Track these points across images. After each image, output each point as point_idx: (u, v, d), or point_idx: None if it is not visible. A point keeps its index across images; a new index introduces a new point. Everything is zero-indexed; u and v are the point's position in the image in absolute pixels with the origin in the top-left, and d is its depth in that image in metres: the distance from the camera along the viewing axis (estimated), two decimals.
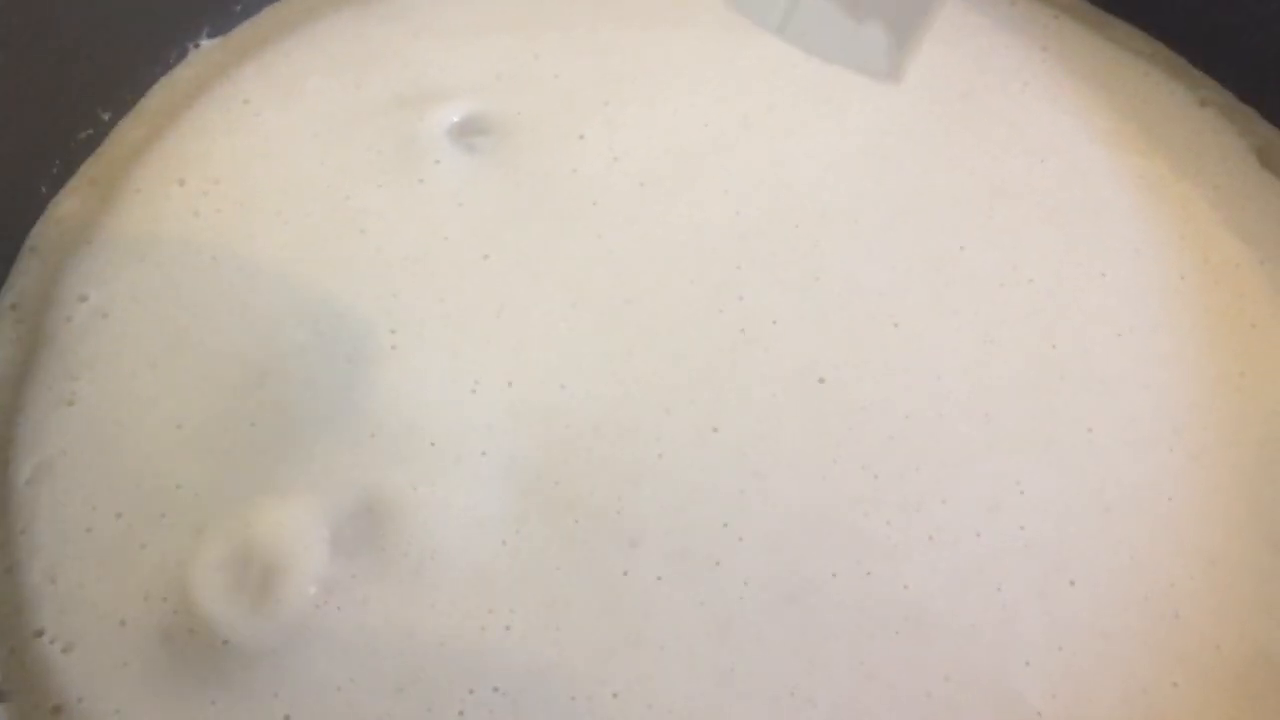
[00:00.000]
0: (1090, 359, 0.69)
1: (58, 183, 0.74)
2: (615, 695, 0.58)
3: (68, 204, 0.74)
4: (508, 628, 0.60)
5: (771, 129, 0.78)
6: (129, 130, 0.77)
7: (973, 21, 0.84)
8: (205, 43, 0.82)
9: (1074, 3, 0.87)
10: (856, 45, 0.48)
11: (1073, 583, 0.62)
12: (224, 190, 0.74)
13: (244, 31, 0.83)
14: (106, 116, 0.77)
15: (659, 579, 0.61)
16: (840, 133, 0.78)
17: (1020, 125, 0.79)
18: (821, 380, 0.68)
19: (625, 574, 0.61)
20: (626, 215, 0.74)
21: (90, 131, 0.76)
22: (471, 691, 0.58)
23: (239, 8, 0.83)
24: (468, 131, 0.77)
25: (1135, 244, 0.74)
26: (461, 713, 0.58)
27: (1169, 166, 0.78)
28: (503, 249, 0.72)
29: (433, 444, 0.64)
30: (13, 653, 0.59)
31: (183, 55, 0.81)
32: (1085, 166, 0.78)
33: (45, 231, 0.73)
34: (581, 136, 0.77)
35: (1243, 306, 0.72)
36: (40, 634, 0.59)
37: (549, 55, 0.81)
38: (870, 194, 0.76)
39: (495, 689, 0.58)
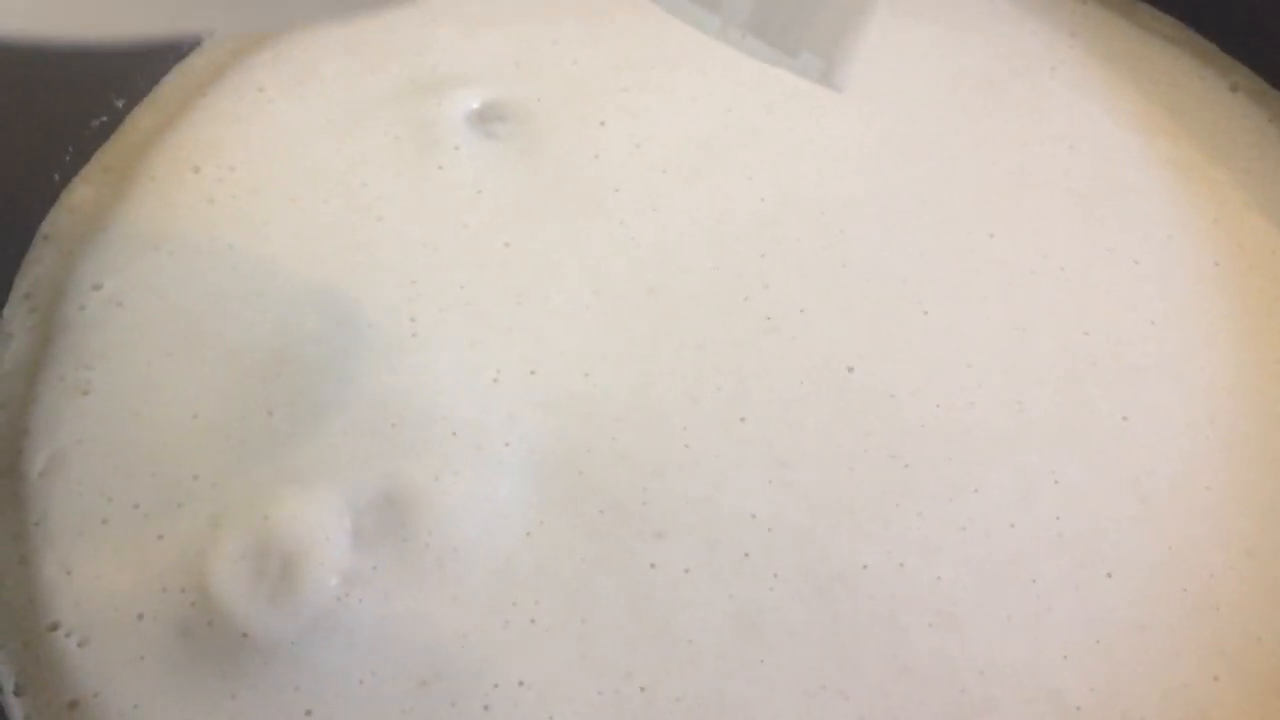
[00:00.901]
0: (1123, 347, 0.68)
1: (71, 170, 0.73)
2: (643, 689, 0.57)
3: (81, 192, 0.73)
4: (532, 620, 0.58)
5: (794, 115, 0.77)
6: (143, 117, 0.76)
7: (999, 7, 0.83)
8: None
9: None
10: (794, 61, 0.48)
11: (1109, 574, 0.60)
12: (239, 177, 0.73)
13: None
14: (120, 104, 0.76)
15: (686, 571, 0.60)
16: (865, 119, 0.77)
17: (1048, 111, 0.78)
18: (850, 369, 0.66)
19: (652, 566, 0.60)
20: (648, 202, 0.73)
21: (104, 119, 0.75)
22: (496, 686, 0.57)
23: None
24: (487, 118, 0.76)
25: (1167, 230, 0.73)
26: (486, 707, 0.56)
27: (1200, 152, 0.77)
28: (523, 236, 0.71)
29: (454, 434, 0.63)
30: (27, 646, 0.58)
31: (197, 42, 0.80)
32: (1115, 153, 0.76)
33: (59, 220, 0.72)
34: (602, 123, 0.76)
35: (1278, 292, 0.70)
36: (56, 627, 0.58)
37: (568, 41, 0.80)
38: (896, 181, 0.74)
39: (520, 683, 0.57)
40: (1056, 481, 0.63)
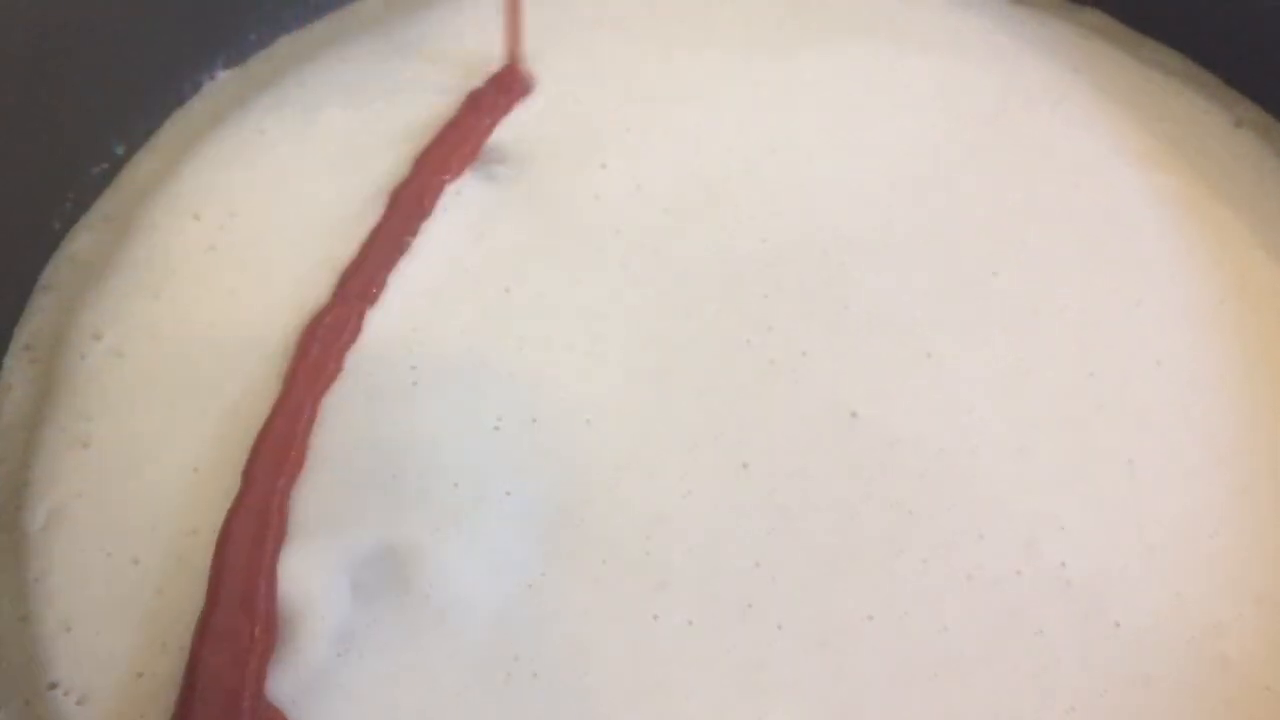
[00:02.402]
0: (1128, 388, 0.67)
1: (71, 219, 0.73)
2: None
3: (81, 240, 0.73)
4: (534, 674, 0.58)
5: (796, 153, 0.77)
6: (143, 164, 0.77)
7: (1002, 43, 0.83)
8: (220, 74, 0.81)
9: (1105, 22, 0.85)
10: None
11: (1116, 624, 0.60)
12: (240, 224, 0.73)
13: (259, 62, 0.82)
14: (120, 150, 0.76)
15: (690, 623, 0.59)
16: (867, 157, 0.77)
17: (1051, 148, 0.78)
18: (853, 414, 0.66)
19: (655, 618, 0.59)
20: (650, 244, 0.72)
21: (104, 166, 0.75)
22: None
23: (253, 37, 0.82)
24: (487, 160, 0.76)
25: (1171, 268, 0.72)
26: None
27: (1205, 188, 0.76)
28: (524, 281, 0.71)
29: (455, 485, 0.63)
30: (27, 705, 0.58)
31: (197, 87, 0.80)
32: (1119, 189, 0.76)
33: (59, 269, 0.72)
34: (603, 165, 0.76)
35: None
36: (55, 686, 0.58)
37: (569, 82, 0.80)
38: (899, 220, 0.74)
39: None
40: (1062, 528, 0.63)
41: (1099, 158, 0.77)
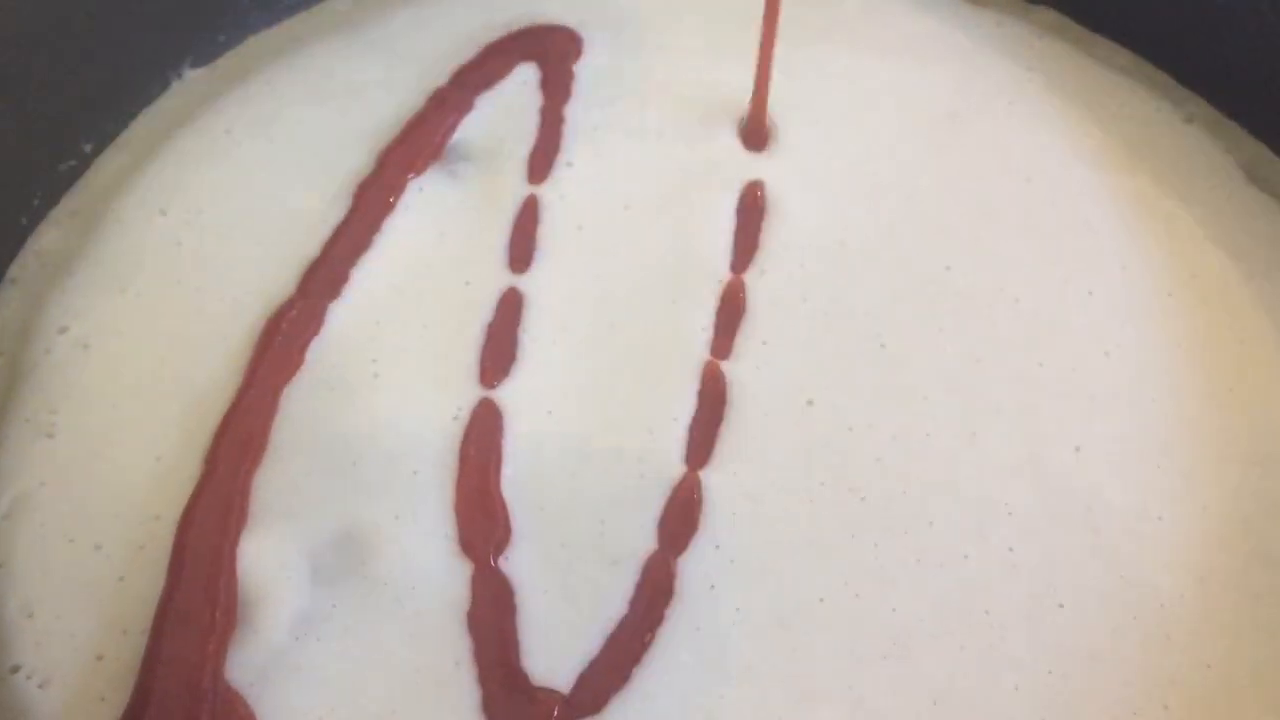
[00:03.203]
0: (1078, 377, 0.69)
1: (39, 214, 0.74)
2: None
3: (49, 235, 0.74)
4: None
5: (757, 153, 0.78)
6: (111, 161, 0.77)
7: (958, 42, 0.84)
8: (188, 72, 0.82)
9: (1059, 22, 0.86)
10: None
11: (1061, 605, 0.61)
12: (206, 220, 0.74)
13: (227, 61, 0.83)
14: (88, 148, 0.77)
15: (650, 604, 0.60)
16: (825, 155, 0.78)
17: (1006, 145, 0.79)
18: (810, 402, 0.67)
19: (610, 598, 0.60)
20: (612, 240, 0.74)
21: (72, 163, 0.76)
22: None
23: (222, 37, 0.83)
24: (451, 159, 0.77)
25: (1122, 261, 0.74)
26: None
27: (1155, 183, 0.77)
28: (485, 276, 0.72)
29: (415, 472, 0.64)
30: None
31: (166, 85, 0.81)
32: (1071, 185, 0.77)
33: (25, 263, 0.73)
34: (570, 164, 0.77)
35: (1231, 322, 0.71)
36: (16, 670, 0.59)
37: (534, 81, 0.81)
38: (856, 216, 0.75)
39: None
40: (1010, 513, 0.64)
41: (1052, 155, 0.79)
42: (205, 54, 0.82)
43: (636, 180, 0.76)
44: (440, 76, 0.80)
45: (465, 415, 0.66)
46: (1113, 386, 0.69)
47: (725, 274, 0.72)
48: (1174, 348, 0.70)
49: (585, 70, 0.82)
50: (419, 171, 0.76)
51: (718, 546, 0.62)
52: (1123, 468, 0.66)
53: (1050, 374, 0.69)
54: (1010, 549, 0.63)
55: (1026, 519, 0.64)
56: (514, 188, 0.76)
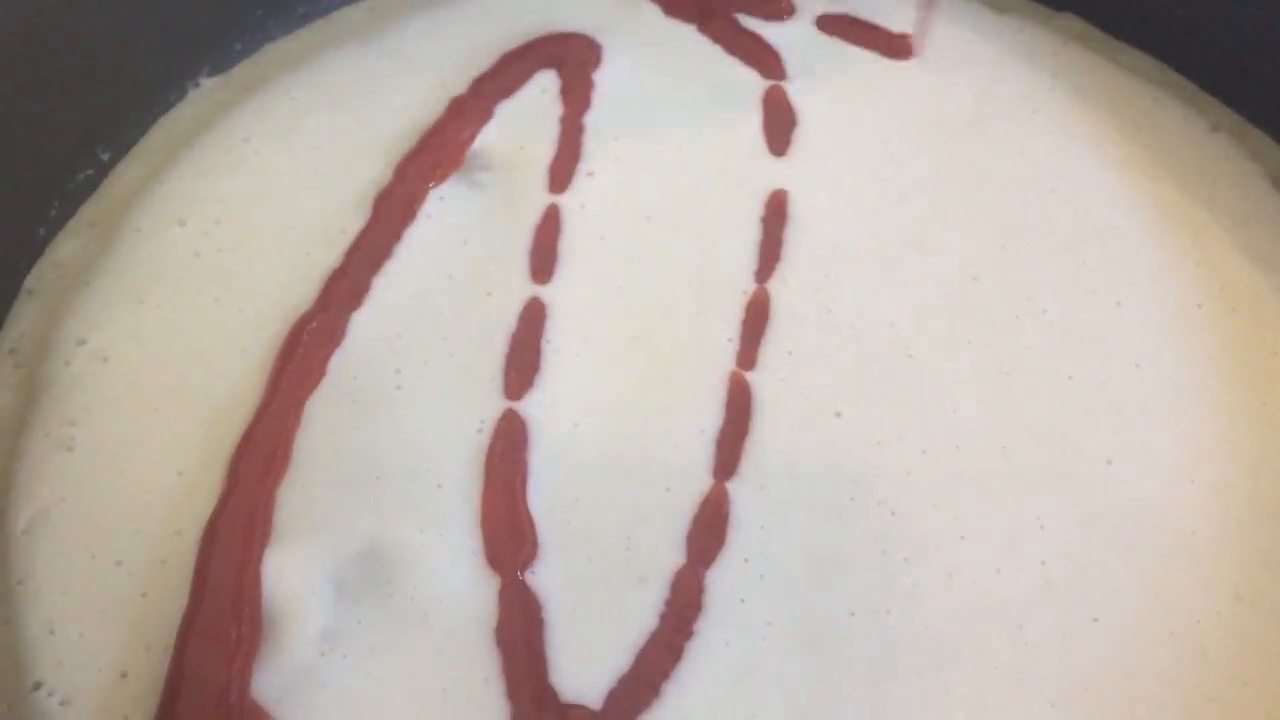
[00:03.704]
0: (1107, 390, 0.68)
1: (56, 225, 0.74)
2: None
3: (66, 246, 0.73)
4: None
5: (780, 161, 0.77)
6: (129, 170, 0.77)
7: (980, 50, 0.83)
8: (205, 81, 0.81)
9: (1082, 29, 0.86)
10: None
11: (1096, 620, 0.60)
12: (225, 230, 0.73)
13: (244, 70, 0.82)
14: (106, 157, 0.76)
15: (679, 618, 0.60)
16: (849, 164, 0.77)
17: (1030, 153, 0.78)
18: (838, 414, 0.67)
19: (639, 614, 0.60)
20: (634, 250, 0.73)
21: (90, 172, 0.75)
22: None
23: (239, 46, 0.82)
24: (471, 168, 0.76)
25: (1150, 272, 0.73)
26: None
27: (1182, 193, 0.77)
28: (507, 287, 0.71)
29: (439, 486, 0.63)
30: (11, 708, 0.58)
31: (182, 94, 0.80)
32: (1097, 194, 0.77)
33: (43, 274, 0.72)
34: (590, 173, 0.76)
35: (1263, 334, 0.71)
36: (39, 687, 0.58)
37: (554, 89, 0.80)
38: (881, 225, 0.75)
39: None
40: (1042, 527, 0.63)
41: (1077, 163, 0.78)
42: (222, 63, 0.82)
43: (658, 189, 0.76)
44: (459, 85, 0.80)
45: (489, 427, 0.65)
46: (1143, 399, 0.68)
47: (749, 284, 0.72)
48: (1205, 360, 0.69)
49: (605, 78, 0.81)
50: (439, 181, 0.75)
51: (746, 560, 0.62)
52: (1154, 482, 0.65)
53: (1080, 386, 0.68)
54: (1043, 563, 0.62)
55: (1058, 533, 0.63)
56: (535, 197, 0.75)
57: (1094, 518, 0.64)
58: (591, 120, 0.79)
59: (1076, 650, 0.60)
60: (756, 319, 0.70)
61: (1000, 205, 0.76)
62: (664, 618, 0.60)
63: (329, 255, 0.71)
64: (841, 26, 0.85)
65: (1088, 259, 0.74)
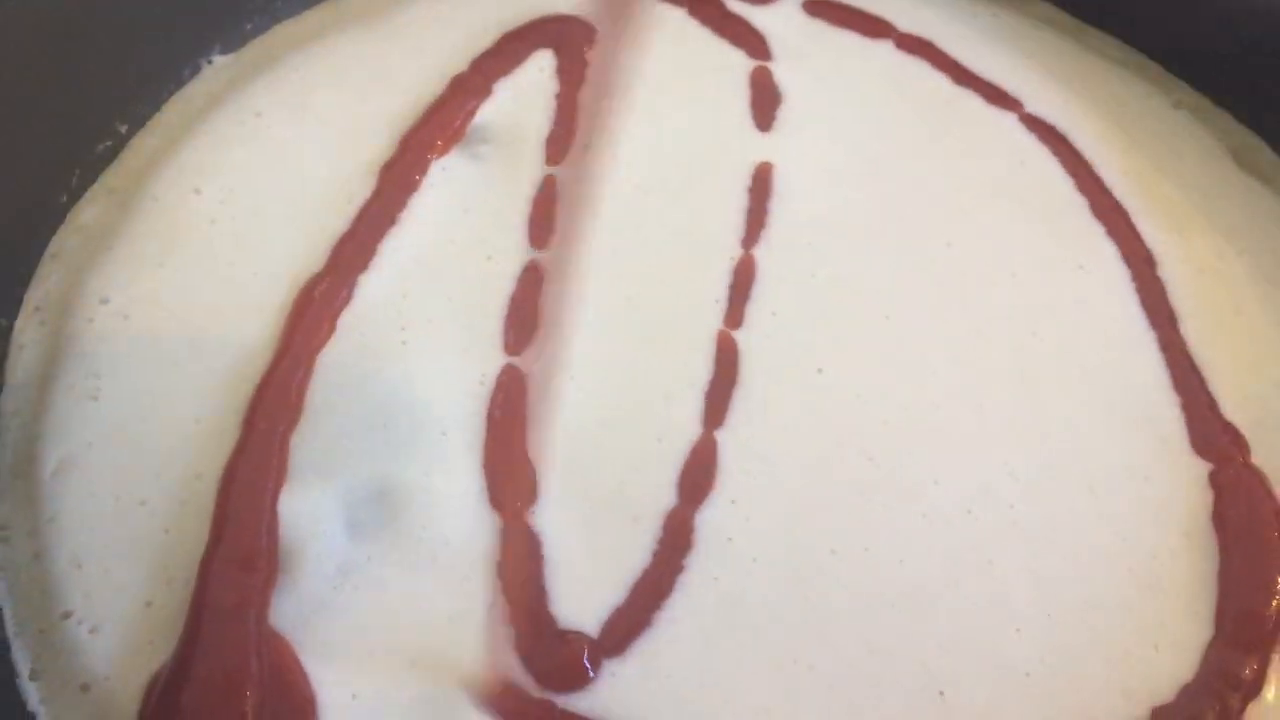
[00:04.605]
0: (1071, 348, 0.72)
1: (78, 192, 0.77)
2: (627, 667, 0.60)
3: (88, 212, 0.77)
4: None
5: (768, 137, 0.81)
6: (146, 142, 0.80)
7: (956, 31, 0.87)
8: (218, 59, 0.85)
9: (1054, 14, 0.90)
10: None
11: (1061, 557, 0.65)
12: (239, 198, 0.76)
13: (255, 48, 0.86)
14: (124, 129, 0.80)
15: (670, 555, 0.64)
16: (831, 138, 0.81)
17: (1002, 128, 0.83)
18: (820, 370, 0.70)
19: (632, 553, 0.64)
20: (627, 218, 0.77)
21: (109, 143, 0.79)
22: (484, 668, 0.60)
23: (249, 26, 0.86)
24: (472, 141, 0.80)
25: (1114, 239, 0.77)
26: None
27: (1148, 166, 0.81)
28: (507, 251, 0.75)
29: (443, 433, 0.67)
30: (42, 634, 0.62)
31: (196, 71, 0.84)
32: (1065, 166, 0.81)
33: (66, 239, 0.75)
34: (587, 146, 0.80)
35: (1227, 295, 0.75)
36: (68, 616, 0.61)
37: (550, 68, 0.84)
38: (861, 195, 0.79)
39: (499, 662, 0.60)
40: (1012, 473, 0.67)
41: (1047, 138, 0.82)
42: (233, 41, 0.86)
43: (650, 162, 0.80)
44: (460, 63, 0.84)
45: (491, 381, 0.69)
46: (1104, 357, 0.72)
47: (736, 249, 0.76)
48: (1169, 319, 0.74)
49: (599, 58, 0.85)
50: (441, 153, 0.79)
51: (734, 502, 0.66)
52: (1113, 432, 0.69)
53: (1046, 345, 0.73)
54: (1011, 506, 0.66)
55: (1027, 480, 0.67)
56: (533, 169, 0.79)
57: (1059, 465, 0.68)
58: (586, 97, 0.83)
59: (1042, 584, 0.64)
60: (743, 282, 0.74)
61: (973, 177, 0.80)
62: (656, 554, 0.64)
63: (338, 221, 0.75)
64: (825, 10, 0.88)
65: (1056, 227, 0.78)
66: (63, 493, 0.65)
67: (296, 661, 0.59)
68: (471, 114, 0.81)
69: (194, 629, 0.59)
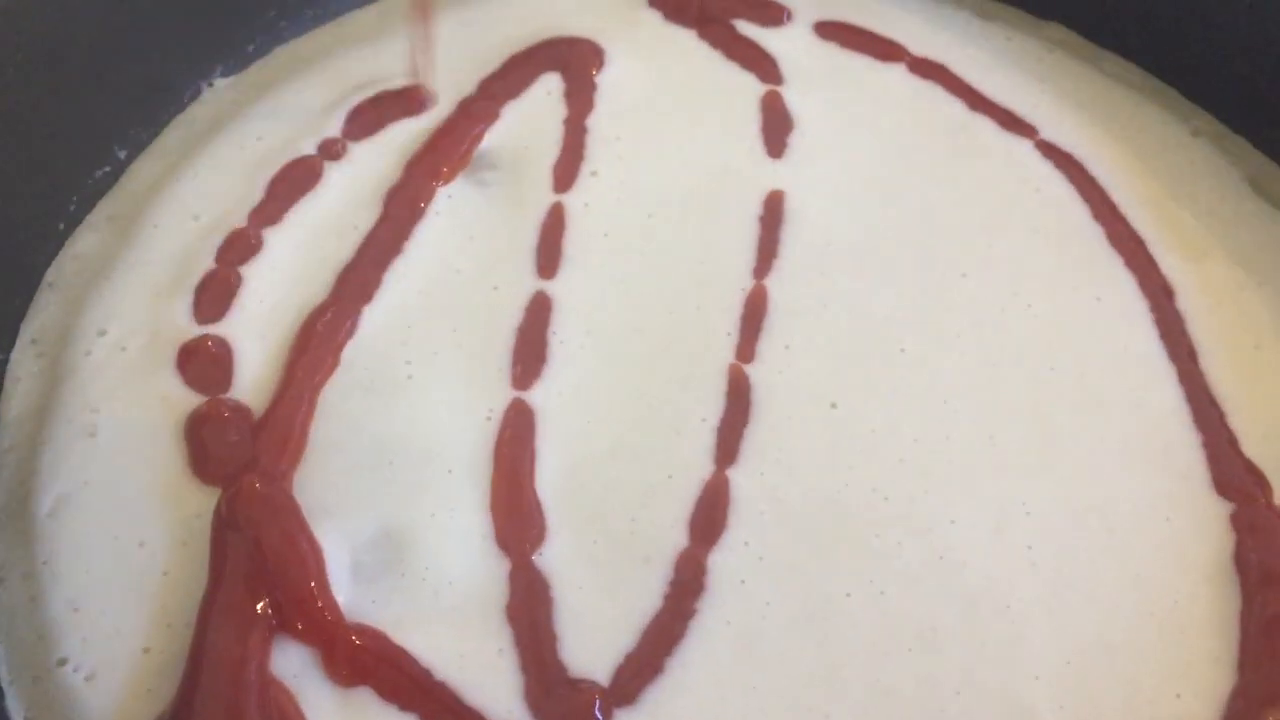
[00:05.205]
0: (1088, 381, 0.71)
1: (75, 219, 0.76)
2: (639, 715, 0.59)
3: (86, 240, 0.75)
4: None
5: (779, 162, 0.80)
6: (145, 168, 0.79)
7: (969, 55, 0.86)
8: (219, 82, 0.84)
9: (1068, 37, 0.89)
10: None
11: (1079, 599, 0.63)
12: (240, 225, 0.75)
13: (256, 71, 0.85)
14: (123, 154, 0.78)
15: (682, 598, 0.62)
16: (844, 165, 0.80)
17: (1016, 155, 0.81)
18: (833, 405, 0.69)
19: (645, 592, 0.62)
20: (636, 247, 0.76)
21: (107, 169, 0.78)
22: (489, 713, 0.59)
23: (251, 48, 0.85)
24: (478, 167, 0.79)
25: (1131, 269, 0.76)
26: None
27: (1164, 193, 0.80)
28: (513, 281, 0.73)
29: (450, 471, 0.66)
30: (36, 682, 0.60)
31: (197, 94, 0.83)
32: (1082, 195, 0.79)
33: (63, 267, 0.74)
34: (594, 173, 0.78)
35: (1247, 326, 0.73)
36: (64, 663, 0.60)
37: (558, 91, 0.83)
38: (874, 224, 0.77)
39: (509, 710, 0.59)
40: (1028, 512, 0.66)
41: (1062, 165, 0.81)
42: (235, 64, 0.84)
43: (660, 189, 0.78)
44: (466, 87, 0.82)
45: (498, 416, 0.68)
46: (1121, 390, 0.71)
47: (748, 280, 0.74)
48: (1187, 353, 0.72)
49: (607, 81, 0.84)
50: (447, 179, 0.78)
51: (747, 543, 0.64)
52: (1131, 470, 0.68)
53: (1062, 378, 0.71)
54: (1029, 547, 0.65)
55: (1043, 518, 0.66)
56: (540, 195, 0.78)
57: (1076, 504, 0.66)
58: (594, 122, 0.82)
59: (1061, 627, 0.62)
60: (754, 314, 0.73)
61: (987, 204, 0.78)
62: (667, 598, 0.62)
63: (342, 249, 0.74)
64: (837, 32, 0.87)
65: (1072, 256, 0.76)
66: (59, 533, 0.64)
67: (299, 710, 0.58)
68: (478, 139, 0.80)
69: (193, 676, 0.58)
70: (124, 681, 0.59)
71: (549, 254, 0.75)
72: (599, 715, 0.58)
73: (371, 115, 0.81)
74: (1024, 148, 0.82)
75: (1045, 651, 0.61)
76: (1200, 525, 0.66)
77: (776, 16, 0.88)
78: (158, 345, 0.70)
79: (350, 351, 0.70)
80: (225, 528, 0.62)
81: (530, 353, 0.70)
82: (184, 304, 0.71)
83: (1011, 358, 0.72)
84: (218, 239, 0.74)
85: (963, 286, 0.75)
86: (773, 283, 0.74)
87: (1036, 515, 0.66)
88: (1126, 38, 0.87)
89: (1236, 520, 0.66)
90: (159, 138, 0.80)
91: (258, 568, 0.61)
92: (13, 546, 0.64)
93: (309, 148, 0.79)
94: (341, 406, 0.68)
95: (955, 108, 0.84)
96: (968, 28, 0.89)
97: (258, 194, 0.77)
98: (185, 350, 0.69)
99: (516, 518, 0.64)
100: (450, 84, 0.82)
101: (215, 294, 0.72)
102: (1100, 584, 0.64)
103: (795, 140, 0.81)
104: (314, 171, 0.78)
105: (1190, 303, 0.75)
